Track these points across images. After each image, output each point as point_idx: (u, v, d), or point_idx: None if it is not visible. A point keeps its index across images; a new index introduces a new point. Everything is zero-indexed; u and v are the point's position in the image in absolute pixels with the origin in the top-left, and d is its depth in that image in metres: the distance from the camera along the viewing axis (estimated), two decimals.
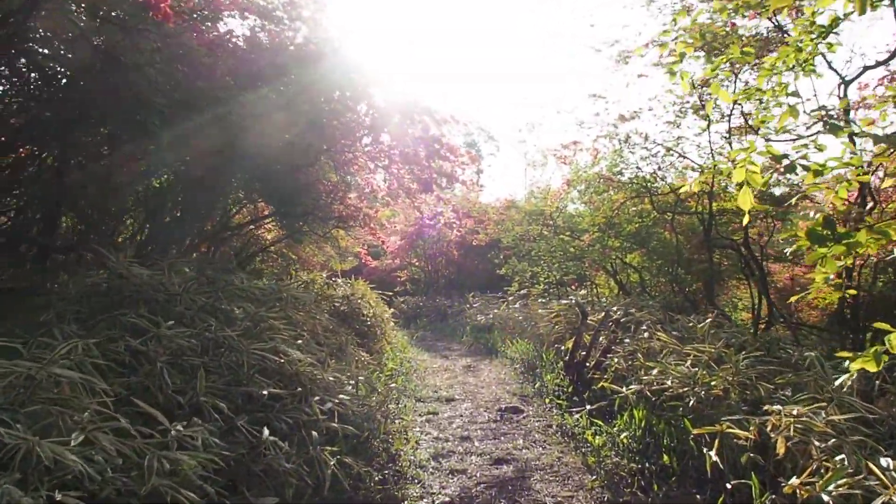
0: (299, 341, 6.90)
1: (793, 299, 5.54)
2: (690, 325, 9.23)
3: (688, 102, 11.89)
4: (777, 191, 12.52)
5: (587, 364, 8.80)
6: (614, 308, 9.76)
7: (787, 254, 12.88)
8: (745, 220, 3.84)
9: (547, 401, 9.20)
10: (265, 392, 5.02)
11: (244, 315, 6.40)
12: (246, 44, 10.50)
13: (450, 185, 12.88)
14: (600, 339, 9.03)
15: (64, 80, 8.71)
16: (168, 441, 3.80)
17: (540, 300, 15.73)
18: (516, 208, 20.37)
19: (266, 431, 4.54)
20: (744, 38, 9.71)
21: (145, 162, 10.66)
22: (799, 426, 4.79)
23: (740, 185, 3.68)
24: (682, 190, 8.36)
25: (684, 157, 12.53)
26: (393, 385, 8.74)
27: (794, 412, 4.94)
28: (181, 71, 8.08)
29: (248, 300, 7.32)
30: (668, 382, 6.68)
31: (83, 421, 3.42)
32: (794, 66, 4.17)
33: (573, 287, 19.04)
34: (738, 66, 10.50)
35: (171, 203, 12.52)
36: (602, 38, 13.11)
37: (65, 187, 9.33)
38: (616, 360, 8.12)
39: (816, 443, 4.69)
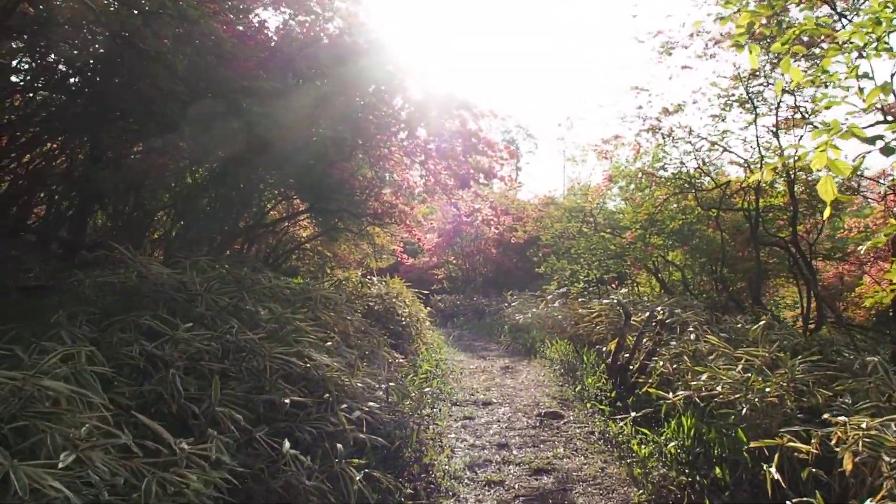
0: (328, 343, 6.60)
1: (868, 302, 5.10)
2: (739, 325, 8.78)
3: (733, 95, 11.43)
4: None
5: (630, 367, 8.40)
6: (658, 308, 9.33)
7: (835, 252, 12.39)
8: (827, 212, 3.35)
9: (588, 405, 8.80)
10: (287, 401, 4.69)
11: (269, 316, 6.09)
12: (278, 35, 10.25)
13: (487, 180, 12.52)
14: (644, 340, 8.62)
15: (89, 73, 8.52)
16: (177, 458, 3.48)
17: (580, 299, 15.32)
18: (555, 205, 19.98)
19: (287, 444, 4.22)
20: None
21: (175, 156, 10.50)
22: (867, 440, 4.36)
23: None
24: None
25: (729, 152, 12.09)
26: (427, 389, 8.36)
27: (864, 425, 4.51)
28: (207, 60, 7.80)
29: (275, 300, 7.04)
30: (719, 388, 6.25)
31: (78, 438, 3.11)
32: (865, 45, 3.73)
33: (613, 286, 18.61)
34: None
35: (205, 199, 12.35)
36: (645, 28, 12.71)
37: (95, 183, 9.14)
38: (661, 363, 7.71)
39: (887, 458, 4.26)
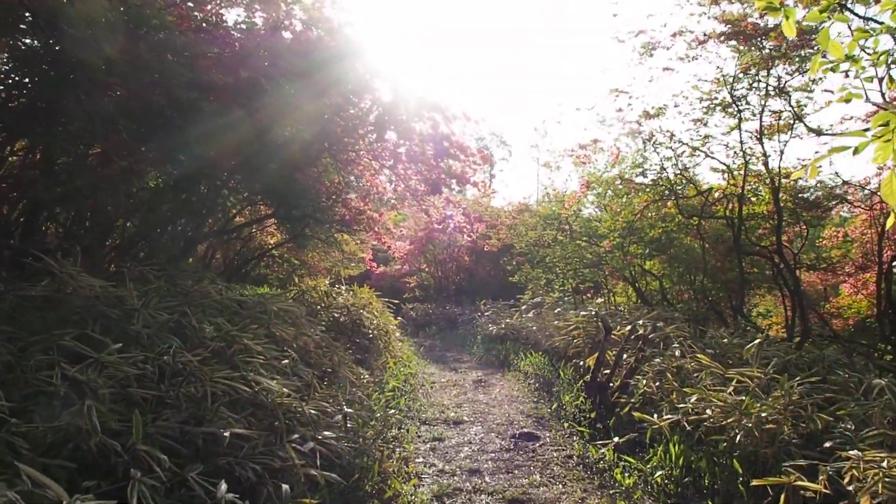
0: (285, 362, 6.03)
1: (849, 312, 4.62)
2: (724, 340, 8.32)
3: (716, 98, 10.99)
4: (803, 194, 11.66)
5: (611, 385, 7.87)
6: (640, 322, 8.82)
7: (821, 262, 11.99)
8: (891, 221, 2.66)
9: (566, 425, 8.26)
10: (228, 433, 4.10)
11: (216, 334, 5.50)
12: (237, 31, 9.67)
13: (460, 186, 12.00)
14: (625, 356, 8.10)
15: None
16: None
17: (556, 310, 14.82)
18: (530, 212, 19.53)
19: (223, 487, 3.62)
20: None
21: (130, 160, 9.88)
22: (888, 480, 3.84)
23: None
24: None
25: (711, 158, 11.63)
26: (392, 410, 7.75)
27: (884, 463, 3.99)
28: (159, 55, 7.18)
29: (227, 314, 6.45)
30: (709, 412, 5.76)
31: None
32: None
33: (589, 295, 18.15)
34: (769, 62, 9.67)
35: (165, 206, 11.72)
36: (626, 28, 12.11)
37: (45, 188, 8.50)
38: (644, 381, 7.21)
39: None
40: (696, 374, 6.84)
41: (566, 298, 17.36)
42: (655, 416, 6.37)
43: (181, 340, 5.10)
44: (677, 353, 7.52)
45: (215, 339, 5.37)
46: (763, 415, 5.33)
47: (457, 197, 13.91)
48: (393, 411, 7.42)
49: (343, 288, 13.53)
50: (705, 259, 11.81)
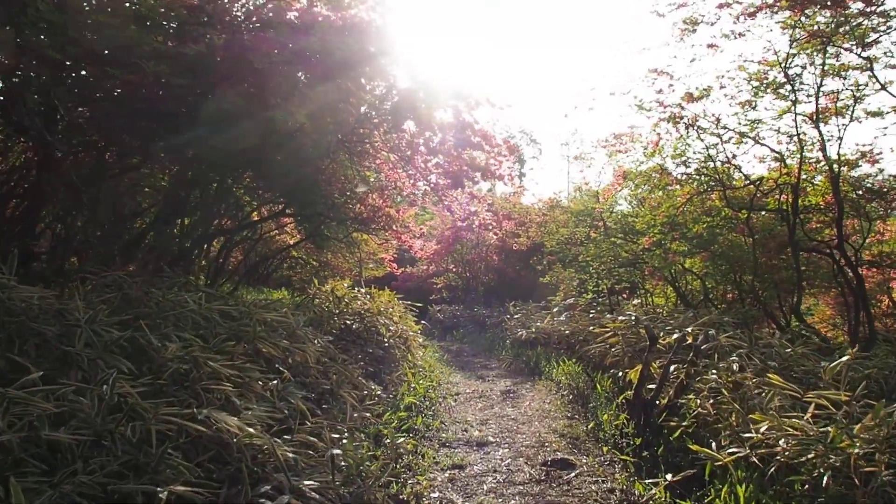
0: (274, 382, 5.08)
1: None
2: (788, 350, 7.21)
3: (766, 78, 9.86)
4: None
5: (657, 403, 6.80)
6: (689, 329, 7.73)
7: (886, 258, 10.81)
8: None
9: (605, 450, 7.20)
10: (164, 494, 3.11)
11: (180, 354, 4.53)
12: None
13: (486, 179, 10.96)
14: (672, 369, 7.02)
15: None
16: None
17: (591, 313, 13.76)
18: (560, 208, 18.44)
19: None
20: None
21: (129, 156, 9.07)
22: None
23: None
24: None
25: (761, 144, 10.46)
26: (401, 439, 6.67)
27: None
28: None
29: (208, 328, 5.50)
30: (782, 443, 4.70)
31: None
32: None
33: (624, 296, 17.05)
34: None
35: (170, 205, 10.91)
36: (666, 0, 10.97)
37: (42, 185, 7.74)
38: (698, 401, 6.15)
39: None
40: (758, 392, 5.79)
41: (600, 300, 16.31)
42: (714, 444, 5.34)
43: (135, 363, 4.17)
44: (735, 366, 6.44)
45: (177, 361, 4.40)
46: (856, 451, 4.27)
47: (481, 192, 12.86)
48: (402, 439, 6.37)
49: (362, 291, 12.60)
50: (755, 256, 10.64)
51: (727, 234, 12.05)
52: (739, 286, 12.38)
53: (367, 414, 6.81)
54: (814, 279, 11.89)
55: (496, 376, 13.20)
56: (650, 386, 7.04)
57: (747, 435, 5.00)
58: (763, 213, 11.19)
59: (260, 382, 5.01)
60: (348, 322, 9.71)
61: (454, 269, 27.97)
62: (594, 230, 15.07)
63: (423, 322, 18.05)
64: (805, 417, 4.88)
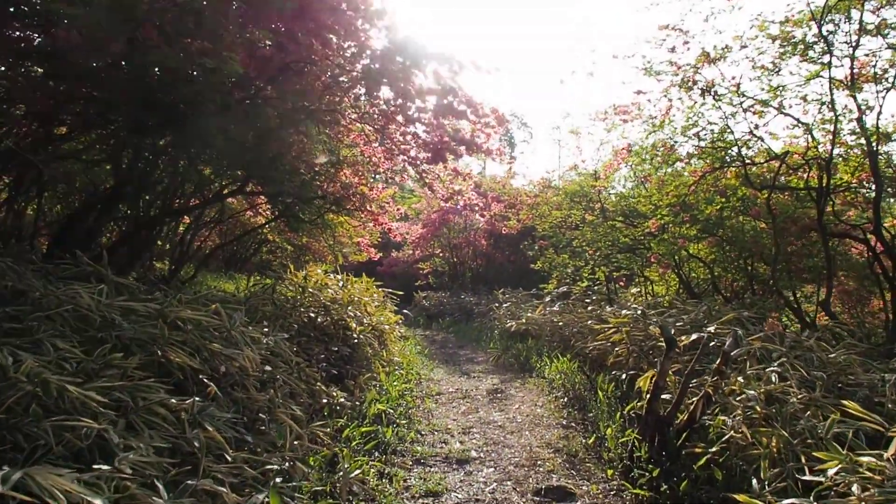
0: (187, 403, 3.84)
1: None
2: (833, 356, 5.97)
3: (792, 37, 8.60)
4: None
5: (676, 419, 5.56)
6: (710, 328, 6.47)
7: None
8: None
9: (610, 474, 5.95)
10: None
11: (39, 371, 3.25)
12: None
13: (472, 153, 9.66)
14: (693, 380, 5.78)
15: None
16: None
17: (587, 303, 12.55)
18: (554, 189, 17.14)
19: None
20: None
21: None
22: None
23: None
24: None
25: (784, 114, 9.14)
26: (356, 473, 5.35)
27: None
28: None
29: (105, 329, 4.24)
30: (856, 489, 3.50)
31: None
32: None
33: (622, 284, 15.83)
34: None
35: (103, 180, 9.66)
36: None
37: None
38: (731, 421, 4.92)
39: None
40: (808, 414, 4.58)
41: (595, 288, 15.11)
42: (755, 482, 4.15)
43: None
44: (774, 377, 5.21)
45: (31, 383, 3.14)
46: None
47: (466, 169, 11.53)
48: (358, 471, 5.08)
49: (338, 277, 11.33)
50: (777, 241, 9.37)
51: (736, 217, 10.84)
52: (751, 275, 11.17)
53: (325, 431, 5.60)
54: (845, 268, 10.62)
55: (482, 372, 12.00)
56: (664, 395, 5.80)
57: (812, 478, 3.78)
58: (784, 192, 9.92)
59: (164, 406, 3.77)
60: (312, 315, 8.43)
61: (441, 254, 26.82)
62: (590, 213, 13.80)
63: (404, 311, 16.90)
64: (887, 455, 3.66)
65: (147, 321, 4.57)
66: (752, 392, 4.93)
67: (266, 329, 6.85)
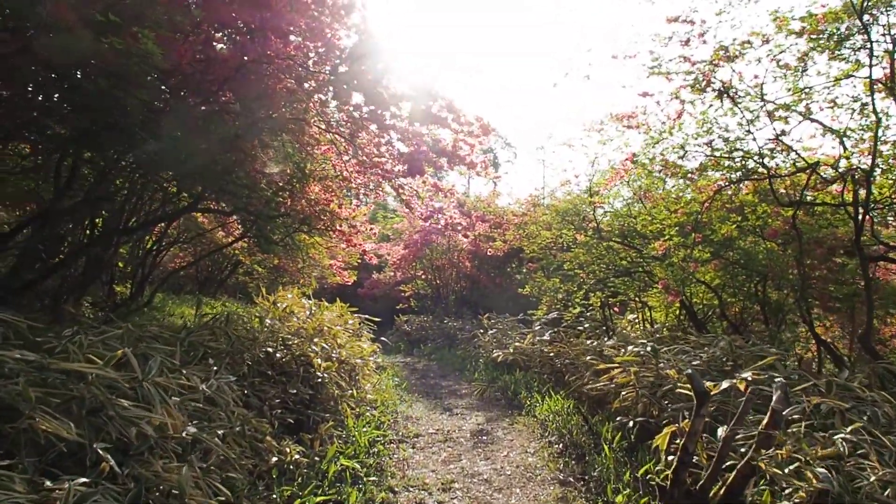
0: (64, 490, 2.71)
1: None
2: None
3: (823, 32, 7.54)
4: None
5: (710, 495, 4.40)
6: (745, 374, 5.32)
7: None
8: None
9: None
10: None
11: None
12: None
13: (454, 166, 8.56)
14: (729, 444, 4.64)
15: None
16: None
17: (580, 332, 11.43)
18: (543, 207, 16.03)
19: None
20: None
21: None
22: None
23: None
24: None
25: (811, 120, 8.02)
26: None
27: None
28: None
29: None
30: None
31: None
32: None
33: (616, 310, 14.69)
34: None
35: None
36: None
37: None
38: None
39: None
40: (888, 493, 3.47)
41: (588, 314, 13.97)
42: None
43: None
44: (841, 443, 4.08)
45: None
46: None
47: (447, 185, 10.40)
48: None
49: (311, 303, 10.20)
50: (801, 264, 8.22)
51: (745, 237, 9.76)
52: (762, 301, 10.06)
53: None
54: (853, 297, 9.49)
55: (467, 407, 10.83)
56: (688, 455, 4.66)
57: None
58: (803, 210, 8.79)
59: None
60: (270, 350, 7.24)
61: (423, 276, 25.68)
62: (583, 233, 12.64)
63: (382, 339, 15.75)
64: None
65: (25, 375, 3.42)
66: (822, 470, 3.79)
67: (214, 368, 5.73)
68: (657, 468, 5.12)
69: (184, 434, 4.02)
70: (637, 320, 13.58)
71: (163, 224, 10.93)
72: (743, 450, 4.57)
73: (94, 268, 9.06)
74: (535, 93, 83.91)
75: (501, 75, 78.89)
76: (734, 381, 5.05)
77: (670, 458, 5.03)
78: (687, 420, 5.01)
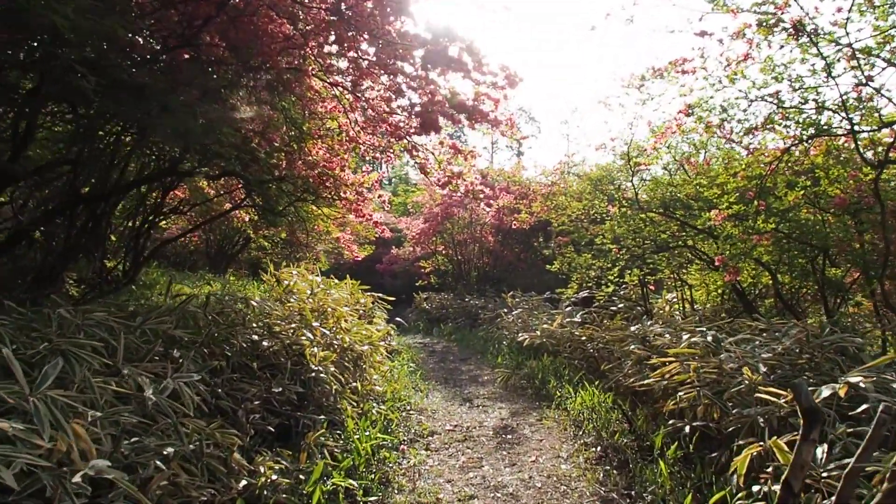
0: None
1: None
2: None
3: None
4: None
5: None
6: (852, 378, 4.06)
7: None
8: None
9: None
10: None
11: None
12: None
13: (476, 124, 7.34)
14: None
15: None
16: None
17: (612, 310, 10.23)
18: (573, 176, 14.80)
19: None
20: None
21: None
22: None
23: None
24: None
25: None
26: None
27: None
28: None
29: None
30: None
31: None
32: None
33: (652, 288, 13.46)
34: None
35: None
36: None
37: None
38: None
39: None
40: None
41: (622, 293, 12.79)
42: None
43: None
44: None
45: None
46: None
47: (468, 146, 9.16)
48: None
49: (312, 280, 9.09)
50: (887, 239, 6.93)
51: (804, 207, 8.48)
52: (820, 281, 8.80)
53: None
54: None
55: (489, 397, 9.71)
56: (787, 489, 3.47)
57: None
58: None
59: None
60: (255, 338, 6.11)
61: (444, 252, 24.50)
62: (616, 204, 11.32)
63: (399, 319, 14.69)
64: None
65: None
66: None
67: (181, 361, 4.63)
68: (735, 499, 3.94)
69: (87, 469, 2.87)
70: (675, 300, 12.33)
71: (158, 193, 9.82)
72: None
73: (80, 238, 8.05)
74: (559, 64, 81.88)
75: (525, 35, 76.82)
76: (837, 386, 3.85)
77: (754, 488, 3.85)
78: (774, 437, 3.82)
